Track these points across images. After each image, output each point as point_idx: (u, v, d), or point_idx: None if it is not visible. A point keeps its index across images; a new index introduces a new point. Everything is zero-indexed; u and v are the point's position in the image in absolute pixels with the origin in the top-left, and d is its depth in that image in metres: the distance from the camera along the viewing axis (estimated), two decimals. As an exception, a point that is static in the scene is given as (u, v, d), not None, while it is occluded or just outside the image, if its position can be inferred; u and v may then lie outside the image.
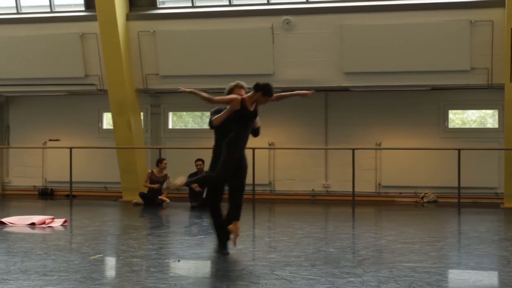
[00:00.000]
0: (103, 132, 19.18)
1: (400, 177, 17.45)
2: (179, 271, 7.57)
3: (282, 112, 18.07)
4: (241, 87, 8.39)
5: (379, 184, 17.80)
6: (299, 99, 17.91)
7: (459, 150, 15.67)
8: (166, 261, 8.08)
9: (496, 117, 17.53)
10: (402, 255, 8.53)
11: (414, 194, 17.35)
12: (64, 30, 17.68)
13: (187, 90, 8.22)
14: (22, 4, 18.38)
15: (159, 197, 15.94)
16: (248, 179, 15.87)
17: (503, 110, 16.25)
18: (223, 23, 17.00)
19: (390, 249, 9.23)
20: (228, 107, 8.14)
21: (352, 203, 15.58)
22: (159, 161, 16.36)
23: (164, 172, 16.22)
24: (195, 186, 14.37)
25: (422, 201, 16.96)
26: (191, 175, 14.50)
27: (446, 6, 16.08)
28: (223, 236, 8.40)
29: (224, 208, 8.41)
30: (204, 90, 18.70)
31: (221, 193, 8.37)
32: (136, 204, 16.20)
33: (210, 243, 9.18)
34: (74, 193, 17.24)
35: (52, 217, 11.95)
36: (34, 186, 19.60)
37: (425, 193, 17.11)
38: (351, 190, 15.94)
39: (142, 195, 16.16)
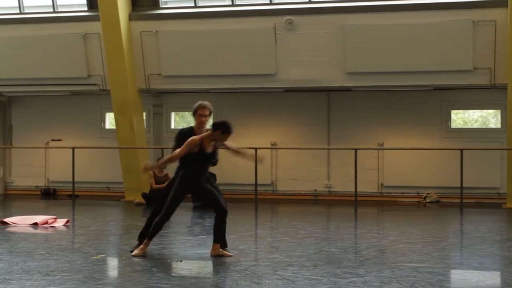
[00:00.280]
0: (106, 132, 19.18)
1: (403, 177, 17.44)
2: (181, 271, 7.59)
3: (285, 112, 18.09)
4: (204, 107, 8.59)
5: (382, 184, 17.78)
6: (303, 99, 18.03)
7: (461, 150, 15.62)
8: (169, 261, 8.09)
9: (499, 117, 17.51)
10: (404, 255, 8.53)
11: (417, 194, 17.33)
12: (67, 30, 17.69)
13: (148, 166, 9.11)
14: (24, 4, 18.38)
15: None
16: (250, 179, 16.15)
17: (506, 110, 16.21)
18: (225, 23, 17.00)
19: (392, 249, 9.24)
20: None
21: (355, 203, 15.56)
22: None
23: (165, 171, 16.22)
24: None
25: (424, 201, 16.94)
26: None
27: (448, 6, 16.06)
28: (140, 238, 8.61)
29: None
30: (207, 90, 18.59)
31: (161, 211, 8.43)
32: (139, 204, 16.20)
33: (212, 243, 9.16)
34: (76, 193, 17.22)
35: (55, 217, 11.97)
36: (37, 186, 19.60)
37: (428, 193, 17.10)
38: (353, 190, 15.91)
39: (144, 195, 16.17)
